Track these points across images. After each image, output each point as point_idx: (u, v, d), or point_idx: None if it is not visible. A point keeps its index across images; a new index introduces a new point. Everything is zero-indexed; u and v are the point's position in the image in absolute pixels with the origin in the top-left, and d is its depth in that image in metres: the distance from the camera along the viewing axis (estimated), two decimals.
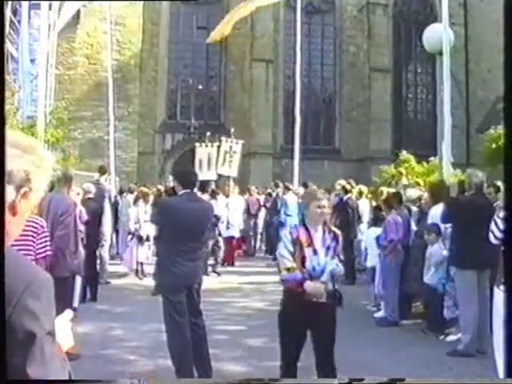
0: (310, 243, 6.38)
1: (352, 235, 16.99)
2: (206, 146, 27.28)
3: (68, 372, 2.17)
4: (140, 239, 16.29)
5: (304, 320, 6.45)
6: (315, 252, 6.37)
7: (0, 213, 2.03)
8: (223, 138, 26.93)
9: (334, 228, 6.89)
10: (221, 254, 18.52)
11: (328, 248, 6.50)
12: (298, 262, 6.32)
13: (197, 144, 27.76)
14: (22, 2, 22.43)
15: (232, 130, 28.13)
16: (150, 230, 15.77)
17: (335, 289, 6.55)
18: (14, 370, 1.95)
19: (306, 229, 6.45)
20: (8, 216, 2.16)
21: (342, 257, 6.87)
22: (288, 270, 6.39)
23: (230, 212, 19.75)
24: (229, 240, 19.76)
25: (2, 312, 1.92)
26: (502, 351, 6.04)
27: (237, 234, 20.41)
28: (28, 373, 1.96)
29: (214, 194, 19.41)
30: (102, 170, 16.87)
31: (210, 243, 17.06)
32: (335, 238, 6.68)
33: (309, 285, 6.24)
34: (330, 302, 6.50)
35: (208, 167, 26.06)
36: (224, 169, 25.88)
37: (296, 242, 6.34)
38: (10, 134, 2.26)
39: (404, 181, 19.43)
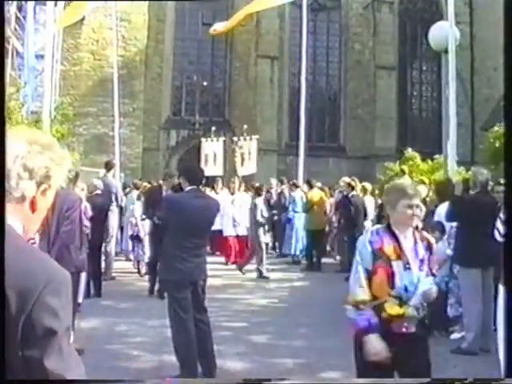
0: (400, 255, 4.93)
1: (357, 233, 16.99)
2: (212, 140, 27.30)
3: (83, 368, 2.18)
4: (137, 237, 16.22)
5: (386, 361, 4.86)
6: (407, 266, 4.95)
7: (0, 212, 2.04)
8: (235, 138, 26.87)
9: (426, 234, 5.43)
10: (263, 254, 17.27)
11: (422, 261, 5.08)
12: (381, 281, 4.90)
13: (202, 139, 27.98)
14: None
15: (245, 126, 27.95)
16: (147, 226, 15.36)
17: (425, 315, 5.28)
18: (29, 364, 1.97)
19: (393, 235, 5.00)
20: (28, 212, 2.18)
21: (435, 272, 5.54)
22: (358, 304, 5.02)
23: (236, 209, 19.14)
24: (235, 239, 19.22)
25: (1, 312, 1.93)
26: (503, 350, 6.06)
27: (244, 233, 19.14)
28: (47, 368, 1.98)
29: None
30: (109, 166, 16.82)
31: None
32: (429, 247, 5.24)
33: (371, 341, 4.90)
34: (420, 332, 5.15)
35: (214, 162, 25.92)
36: (244, 169, 25.65)
37: (378, 254, 4.91)
38: (28, 132, 2.29)
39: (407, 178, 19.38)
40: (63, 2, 23.26)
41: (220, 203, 9.32)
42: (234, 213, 19.09)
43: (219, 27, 26.45)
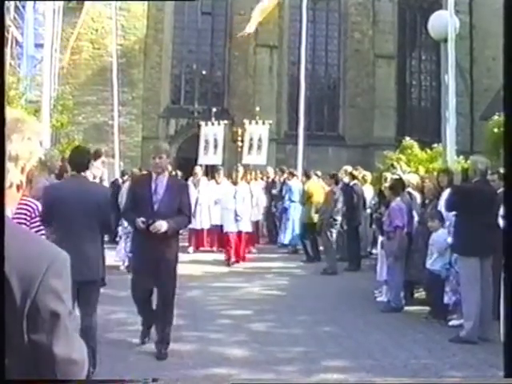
0: None
1: (357, 221, 17.03)
2: (213, 124, 25.13)
3: (85, 348, 2.21)
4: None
5: None
6: None
7: (0, 212, 2.05)
8: (246, 121, 24.64)
9: None
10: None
11: None
12: None
13: (202, 123, 25.84)
14: None
15: (257, 108, 26.84)
16: None
17: None
18: (37, 349, 1.98)
19: None
20: (14, 194, 2.18)
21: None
22: None
23: (239, 202, 17.06)
24: (237, 235, 17.24)
25: (1, 312, 1.92)
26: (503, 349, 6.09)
27: (248, 229, 17.81)
28: (55, 352, 2.00)
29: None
30: (96, 154, 16.84)
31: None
32: None
33: None
34: None
35: (214, 150, 23.70)
36: (250, 158, 23.51)
37: None
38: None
39: (404, 167, 19.34)
40: None
41: (108, 191, 9.03)
42: (236, 206, 17.00)
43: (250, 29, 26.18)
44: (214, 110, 23.82)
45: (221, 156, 23.95)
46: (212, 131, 24.01)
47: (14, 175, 2.14)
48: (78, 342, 2.13)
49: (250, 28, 28.83)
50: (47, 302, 1.99)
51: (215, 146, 23.58)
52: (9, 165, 2.11)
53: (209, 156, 23.27)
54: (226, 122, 24.95)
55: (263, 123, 23.97)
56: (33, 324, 1.97)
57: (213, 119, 25.74)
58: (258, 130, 23.71)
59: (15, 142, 2.13)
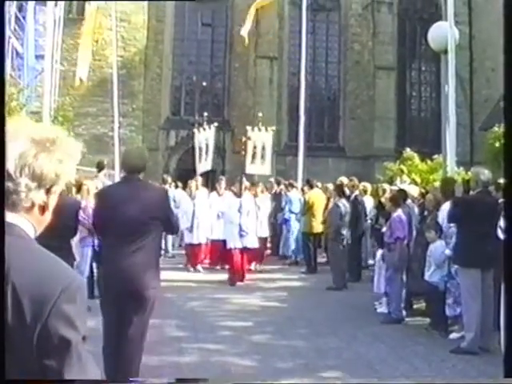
0: None
1: (360, 232, 17.00)
2: (204, 129, 22.99)
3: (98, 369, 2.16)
4: None
5: None
6: None
7: (0, 211, 2.03)
8: (248, 127, 22.72)
9: None
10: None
11: None
12: None
13: (195, 130, 23.96)
14: None
15: (260, 114, 26.16)
16: None
17: None
18: (48, 373, 1.95)
19: None
20: (37, 215, 2.13)
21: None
22: None
23: (244, 216, 15.83)
24: (242, 252, 15.90)
25: (1, 312, 1.90)
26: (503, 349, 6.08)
27: (254, 244, 16.44)
28: (66, 379, 1.96)
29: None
30: (100, 166, 16.95)
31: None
32: None
33: None
34: None
35: (206, 156, 21.82)
36: (253, 167, 22.40)
37: None
38: (32, 127, 2.22)
39: (404, 178, 19.36)
40: (63, 3, 23.27)
41: (166, 191, 7.95)
42: (241, 220, 15.75)
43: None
44: (216, 124, 22.41)
45: (211, 161, 21.93)
46: (204, 136, 22.33)
47: (35, 195, 2.09)
48: (93, 369, 2.08)
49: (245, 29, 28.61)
50: (58, 328, 1.94)
51: (206, 152, 21.87)
52: (31, 183, 2.06)
53: (201, 163, 21.79)
54: (216, 124, 23.29)
55: (266, 130, 22.96)
56: (43, 349, 1.94)
57: (205, 124, 24.15)
58: (261, 138, 22.62)
59: (41, 160, 2.08)
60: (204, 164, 21.53)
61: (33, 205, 2.10)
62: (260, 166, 22.52)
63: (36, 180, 2.07)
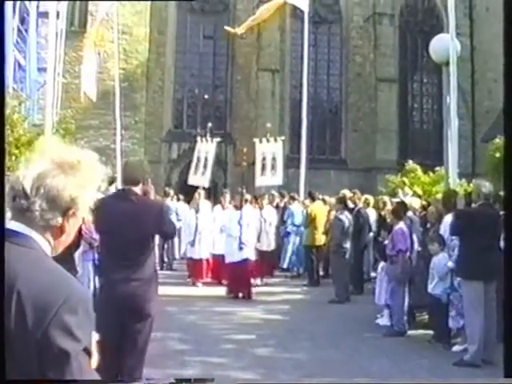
0: None
1: (362, 244, 16.97)
2: (207, 141, 21.54)
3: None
4: None
5: None
6: None
7: (0, 212, 2.04)
8: (256, 139, 22.73)
9: None
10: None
11: None
12: None
13: (198, 138, 22.77)
14: (30, 11, 22.53)
15: (268, 125, 25.87)
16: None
17: None
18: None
19: None
20: (55, 235, 2.15)
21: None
22: None
23: (244, 228, 15.67)
24: (240, 266, 15.47)
25: (1, 312, 1.93)
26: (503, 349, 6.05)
27: (251, 256, 15.92)
28: None
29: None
30: (110, 180, 16.89)
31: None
32: None
33: None
34: None
35: (203, 169, 20.55)
36: (265, 178, 21.99)
37: None
38: (55, 149, 2.24)
39: (407, 190, 19.32)
40: (65, 16, 23.31)
41: (163, 205, 8.14)
42: (241, 232, 15.56)
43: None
44: (218, 139, 21.65)
45: (209, 177, 20.65)
46: (204, 149, 21.04)
47: (49, 216, 2.12)
48: (94, 375, 2.10)
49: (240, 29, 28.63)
50: (56, 338, 1.96)
51: (204, 166, 20.54)
52: (44, 204, 2.09)
53: (197, 176, 20.54)
54: (219, 139, 22.66)
55: (275, 140, 22.20)
56: (44, 358, 1.95)
57: (208, 135, 22.71)
58: (270, 149, 21.90)
59: (57, 183, 2.11)
60: (201, 179, 20.32)
61: (48, 225, 2.12)
62: (271, 178, 21.88)
63: (50, 201, 2.10)
